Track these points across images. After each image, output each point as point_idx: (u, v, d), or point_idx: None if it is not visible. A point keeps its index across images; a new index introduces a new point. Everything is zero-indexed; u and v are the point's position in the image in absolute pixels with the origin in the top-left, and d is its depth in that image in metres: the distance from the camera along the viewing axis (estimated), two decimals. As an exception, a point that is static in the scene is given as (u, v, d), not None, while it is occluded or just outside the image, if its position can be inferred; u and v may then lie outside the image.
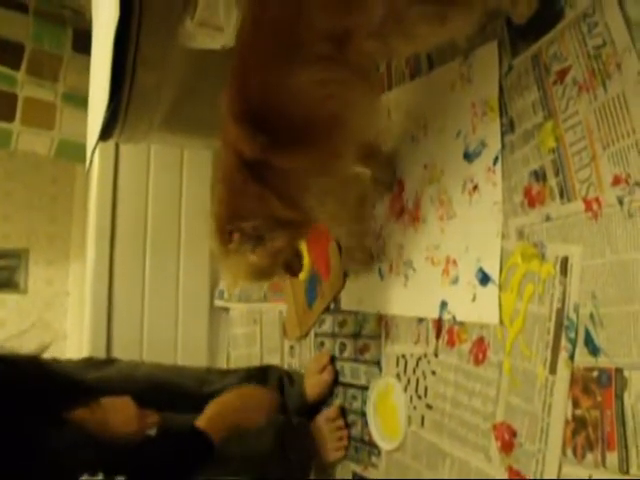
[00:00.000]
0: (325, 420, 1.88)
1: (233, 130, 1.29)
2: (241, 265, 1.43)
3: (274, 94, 1.26)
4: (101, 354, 2.58)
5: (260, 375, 2.03)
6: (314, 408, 1.96)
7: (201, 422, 1.59)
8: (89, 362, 1.93)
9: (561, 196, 1.18)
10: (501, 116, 1.37)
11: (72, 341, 3.73)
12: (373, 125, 1.48)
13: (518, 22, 1.32)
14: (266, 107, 1.26)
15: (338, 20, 1.23)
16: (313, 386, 1.96)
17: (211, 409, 1.64)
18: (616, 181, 1.06)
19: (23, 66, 2.95)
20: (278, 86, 1.25)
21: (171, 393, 1.83)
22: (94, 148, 2.12)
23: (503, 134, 1.35)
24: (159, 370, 1.96)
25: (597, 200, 1.09)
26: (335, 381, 1.93)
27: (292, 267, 1.58)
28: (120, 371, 1.86)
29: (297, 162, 1.30)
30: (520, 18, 1.32)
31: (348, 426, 1.85)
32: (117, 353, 2.61)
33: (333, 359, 1.95)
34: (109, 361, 1.96)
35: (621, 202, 1.05)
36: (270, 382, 2.01)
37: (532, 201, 1.25)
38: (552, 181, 1.21)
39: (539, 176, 1.24)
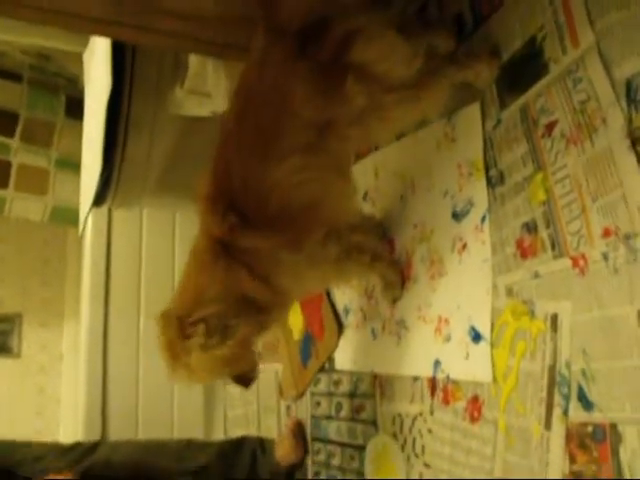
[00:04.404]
0: None
1: (204, 209, 1.30)
2: (205, 361, 1.31)
3: (252, 183, 1.28)
4: (96, 416, 2.59)
5: (235, 447, 2.11)
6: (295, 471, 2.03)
7: None
8: (74, 448, 1.96)
9: (552, 248, 1.19)
10: (491, 168, 1.38)
11: (66, 405, 3.70)
12: (345, 208, 1.48)
13: (482, 88, 1.41)
14: (243, 192, 1.28)
15: (321, 111, 1.28)
16: (284, 454, 2.04)
17: None
18: (606, 233, 1.07)
19: (17, 133, 3.00)
20: (257, 174, 1.28)
21: (149, 475, 1.90)
22: (87, 214, 2.15)
23: (493, 186, 1.37)
24: (138, 451, 2.01)
25: (583, 257, 1.11)
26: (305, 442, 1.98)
27: (245, 378, 1.46)
28: (99, 459, 1.90)
29: (267, 240, 1.30)
30: (484, 85, 1.40)
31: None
32: (113, 415, 2.61)
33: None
34: (93, 447, 1.98)
35: (606, 258, 1.06)
36: (244, 453, 2.07)
37: (524, 253, 1.26)
38: (543, 233, 1.21)
39: (530, 228, 1.25)
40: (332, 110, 1.29)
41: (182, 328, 1.30)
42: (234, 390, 2.75)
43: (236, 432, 2.49)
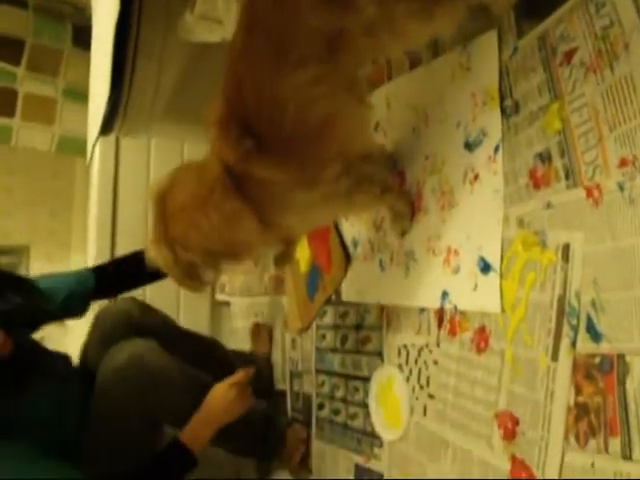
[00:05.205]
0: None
1: (217, 135, 1.27)
2: (164, 264, 1.38)
3: (266, 97, 1.24)
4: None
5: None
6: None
7: (185, 436, 1.66)
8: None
9: (566, 178, 1.17)
10: (506, 98, 1.36)
11: (74, 335, 3.73)
12: (361, 135, 1.45)
13: (499, 14, 1.37)
14: (256, 112, 1.24)
15: (331, 19, 1.23)
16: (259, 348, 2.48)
17: (192, 422, 1.70)
18: (623, 163, 1.05)
19: (23, 62, 2.96)
20: (270, 89, 1.24)
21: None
22: (95, 142, 2.13)
23: (507, 116, 1.34)
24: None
25: (598, 187, 1.09)
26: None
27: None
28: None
29: (283, 171, 1.27)
30: (501, 10, 1.36)
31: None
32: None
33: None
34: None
35: (622, 188, 1.04)
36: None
37: (537, 183, 1.24)
38: (557, 163, 1.19)
39: (544, 158, 1.23)
40: (342, 19, 1.23)
41: (169, 233, 1.34)
42: (239, 324, 2.77)
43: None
